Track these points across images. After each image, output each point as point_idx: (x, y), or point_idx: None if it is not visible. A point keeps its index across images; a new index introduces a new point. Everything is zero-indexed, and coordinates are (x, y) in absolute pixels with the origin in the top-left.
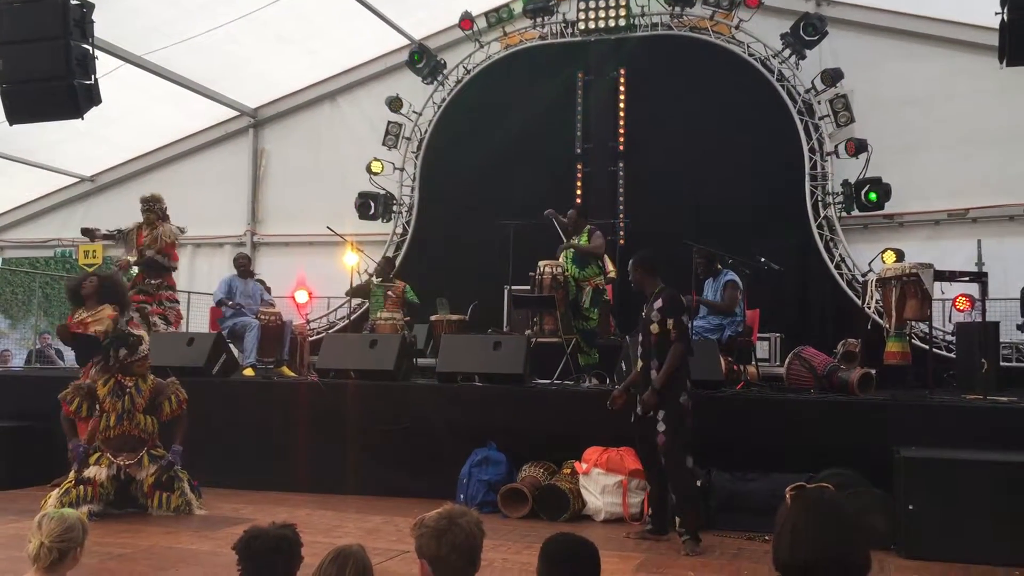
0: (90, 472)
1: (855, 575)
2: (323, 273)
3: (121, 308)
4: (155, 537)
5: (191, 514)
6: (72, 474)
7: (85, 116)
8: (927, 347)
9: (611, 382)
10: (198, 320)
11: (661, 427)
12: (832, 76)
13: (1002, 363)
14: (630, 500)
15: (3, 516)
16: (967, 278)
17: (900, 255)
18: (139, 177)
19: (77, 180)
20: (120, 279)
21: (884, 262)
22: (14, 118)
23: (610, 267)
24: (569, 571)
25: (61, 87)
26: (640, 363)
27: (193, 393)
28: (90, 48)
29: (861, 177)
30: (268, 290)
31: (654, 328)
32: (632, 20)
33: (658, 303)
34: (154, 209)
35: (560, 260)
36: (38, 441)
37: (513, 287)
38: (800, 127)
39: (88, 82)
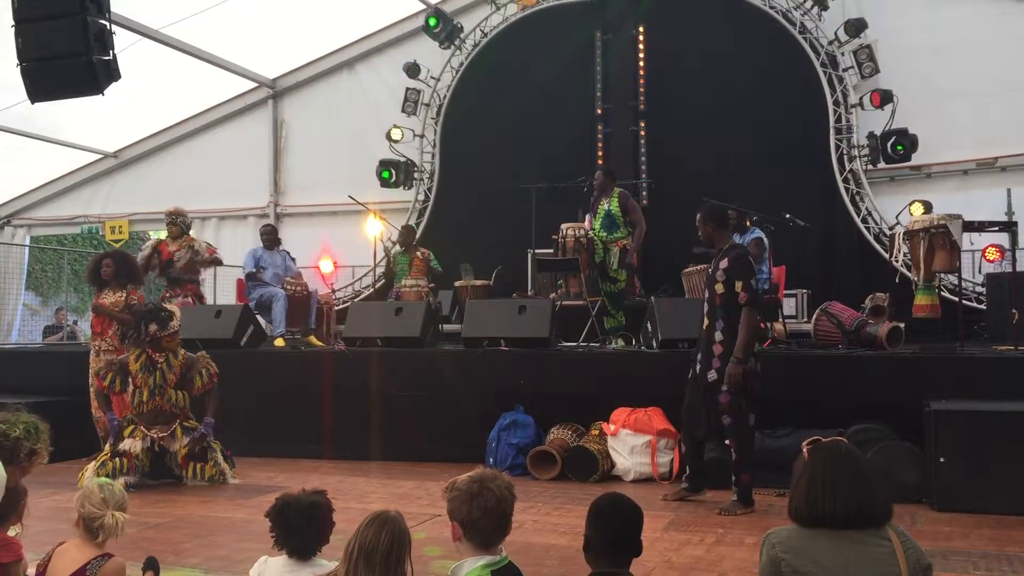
0: (125, 445)
1: (873, 525)
2: (347, 242)
3: (137, 284)
4: (191, 506)
5: (225, 483)
6: (107, 447)
7: (106, 92)
8: (957, 299)
9: (637, 343)
10: (225, 292)
11: (725, 387)
12: (856, 26)
13: None
14: (659, 460)
15: (42, 489)
16: (997, 228)
17: (928, 207)
18: (162, 151)
19: (101, 156)
20: (131, 256)
21: (911, 214)
22: (35, 97)
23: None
24: (616, 528)
25: (80, 64)
26: (706, 321)
27: (222, 364)
28: (107, 23)
29: (887, 129)
30: (293, 261)
31: (719, 288)
32: None
33: (724, 262)
34: (176, 222)
35: (587, 222)
36: (74, 416)
37: (537, 250)
38: (823, 80)
39: (107, 58)
